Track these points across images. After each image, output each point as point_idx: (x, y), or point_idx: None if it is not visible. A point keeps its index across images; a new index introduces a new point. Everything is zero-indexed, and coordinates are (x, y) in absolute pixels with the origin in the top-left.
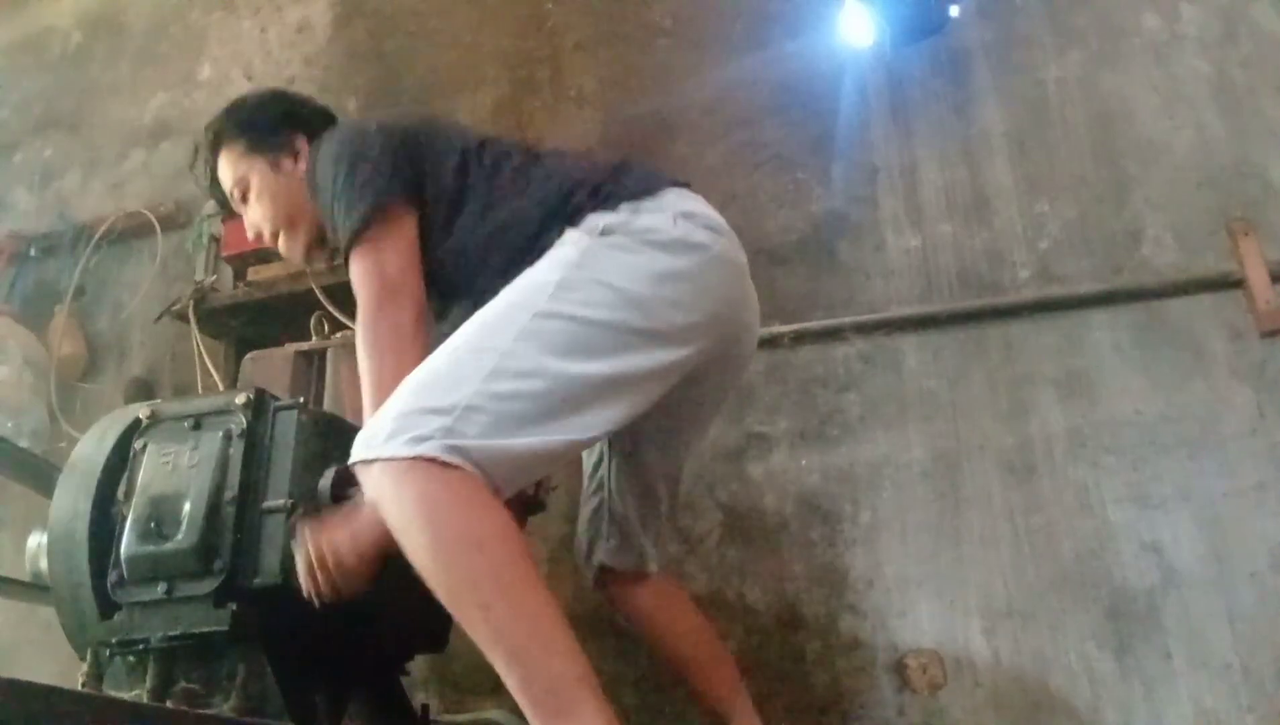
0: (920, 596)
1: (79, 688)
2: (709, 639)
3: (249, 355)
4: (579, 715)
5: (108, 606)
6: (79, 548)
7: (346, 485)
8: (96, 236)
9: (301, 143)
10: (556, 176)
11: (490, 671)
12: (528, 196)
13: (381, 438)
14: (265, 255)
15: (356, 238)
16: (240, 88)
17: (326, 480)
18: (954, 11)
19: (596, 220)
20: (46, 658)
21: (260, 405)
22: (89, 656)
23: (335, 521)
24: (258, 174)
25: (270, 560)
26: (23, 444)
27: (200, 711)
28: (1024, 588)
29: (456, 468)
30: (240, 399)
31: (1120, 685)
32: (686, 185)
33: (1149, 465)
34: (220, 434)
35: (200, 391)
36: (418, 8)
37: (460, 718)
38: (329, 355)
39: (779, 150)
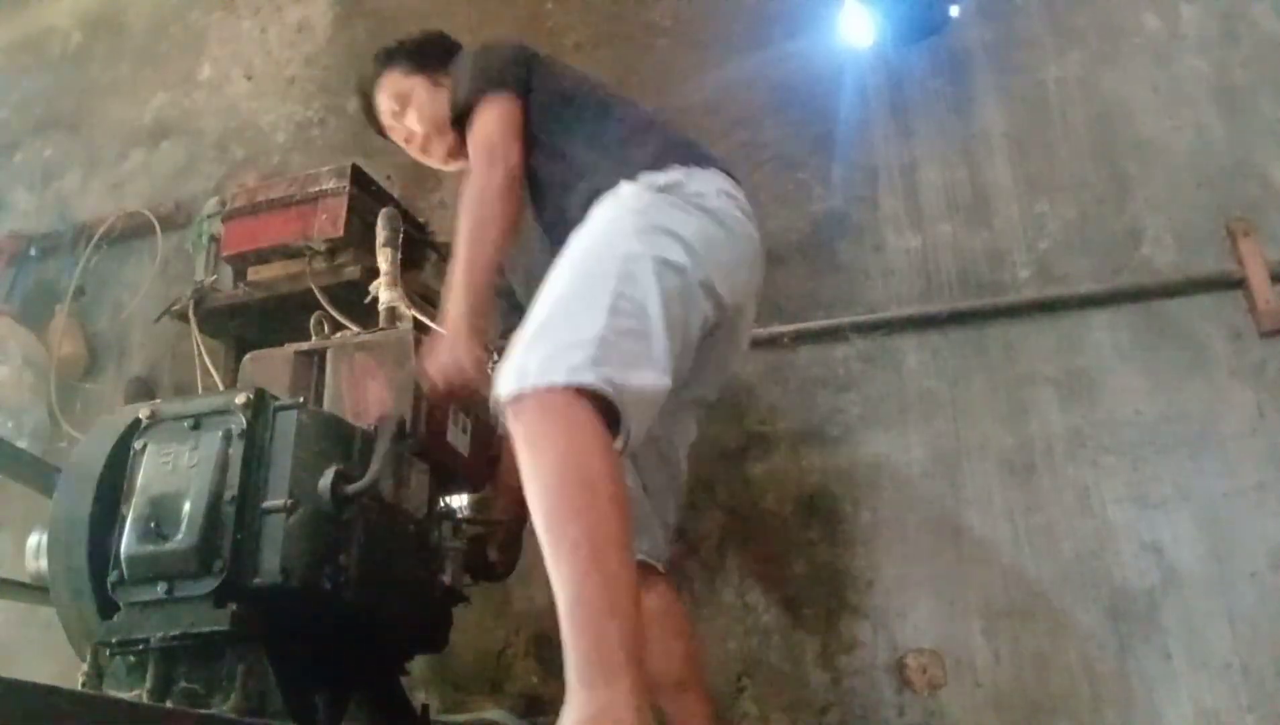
0: (920, 596)
1: (79, 688)
2: (698, 666)
3: (249, 355)
4: (617, 685)
5: (108, 606)
6: (79, 548)
7: (347, 485)
8: (96, 236)
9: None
10: (622, 130)
11: (490, 672)
12: (595, 145)
13: (534, 371)
14: (265, 255)
15: (469, 102)
16: (240, 88)
17: (326, 480)
18: (954, 11)
19: (654, 178)
20: (46, 658)
21: (260, 405)
22: (89, 656)
23: (442, 347)
24: (419, 88)
25: (270, 560)
26: (23, 444)
27: (200, 711)
28: (1024, 588)
29: (604, 399)
30: (240, 399)
31: (1120, 685)
32: (731, 174)
33: (1149, 465)
34: (220, 434)
35: (200, 391)
36: (418, 8)
37: (460, 718)
38: (329, 355)
39: (779, 150)
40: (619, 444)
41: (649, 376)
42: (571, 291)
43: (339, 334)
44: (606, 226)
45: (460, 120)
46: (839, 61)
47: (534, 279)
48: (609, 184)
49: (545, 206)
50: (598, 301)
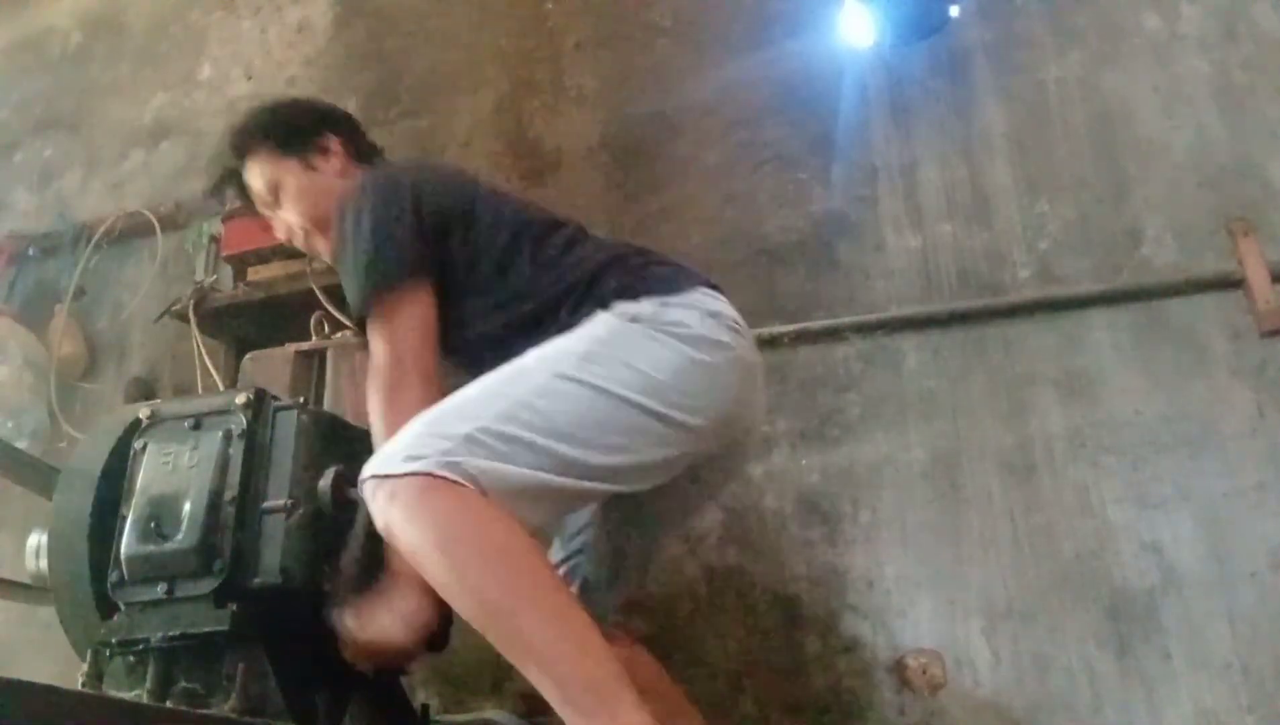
0: (920, 596)
1: (79, 688)
2: (686, 704)
3: (249, 355)
4: (620, 711)
5: (108, 606)
6: (79, 548)
7: (346, 486)
8: (96, 236)
9: (333, 142)
10: (589, 263)
11: (490, 672)
12: (560, 283)
13: (386, 456)
14: (265, 255)
15: (366, 311)
16: (240, 88)
17: (326, 480)
18: (954, 11)
19: (627, 308)
20: (46, 658)
21: (260, 405)
22: (89, 656)
23: (372, 606)
24: (291, 175)
25: (270, 560)
26: (23, 444)
27: (200, 711)
28: (1024, 588)
29: (456, 483)
30: (240, 399)
31: (1120, 685)
32: (715, 286)
33: (1149, 465)
34: (220, 434)
35: (200, 391)
36: (418, 8)
37: (460, 718)
38: (329, 355)
39: (779, 150)
40: None
41: (521, 472)
42: (465, 397)
43: (339, 334)
44: (556, 349)
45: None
46: (839, 61)
47: None
48: (585, 313)
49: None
50: (490, 406)
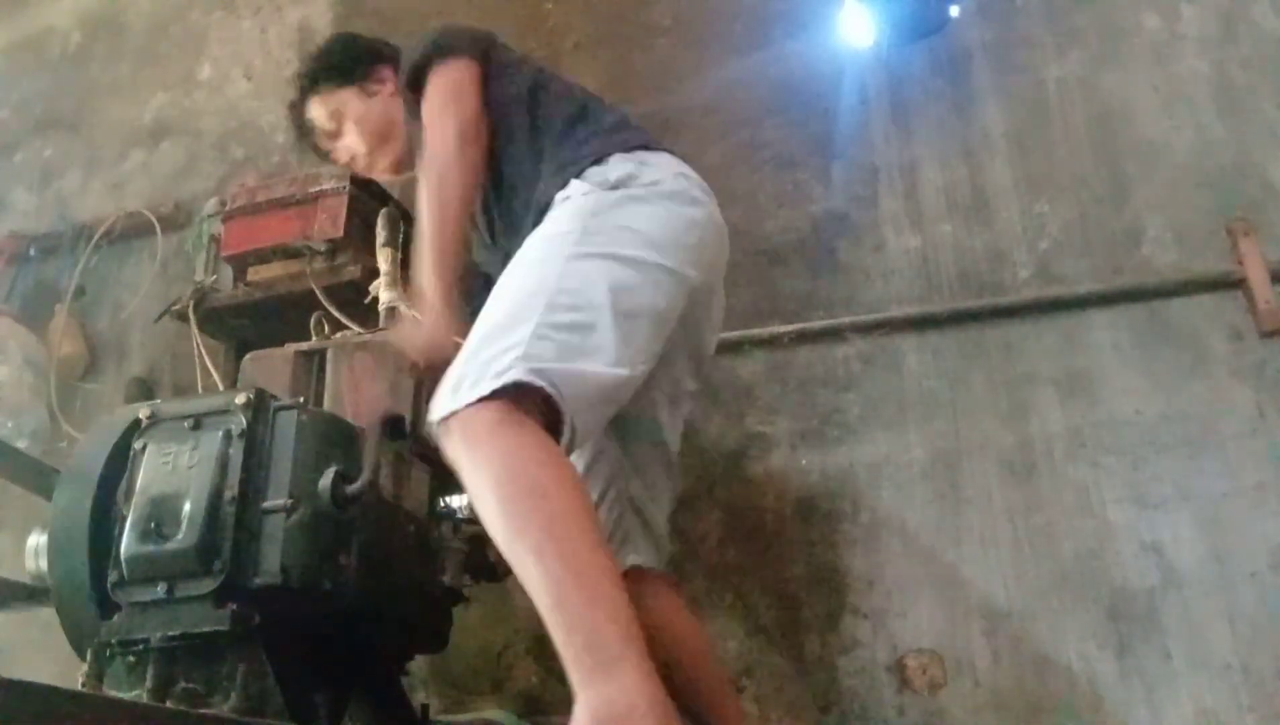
0: (920, 596)
1: (79, 688)
2: (714, 662)
3: (249, 355)
4: (618, 674)
5: (108, 606)
6: (79, 548)
7: (346, 485)
8: (96, 236)
9: (387, 71)
10: (571, 119)
11: (490, 672)
12: (545, 133)
13: (464, 386)
14: (265, 255)
15: (423, 65)
16: (240, 88)
17: (326, 480)
18: (954, 11)
19: (606, 171)
20: (46, 658)
21: (260, 405)
22: (89, 656)
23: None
24: (350, 101)
25: (270, 560)
26: (23, 444)
27: (200, 711)
28: (1024, 588)
29: (537, 392)
30: (240, 399)
31: (1120, 685)
32: (671, 151)
33: (1149, 465)
34: (220, 434)
35: (200, 391)
36: (418, 8)
37: (460, 718)
38: (329, 355)
39: (779, 150)
40: (565, 440)
41: (590, 365)
42: (509, 302)
43: (339, 334)
44: (554, 232)
45: (416, 86)
46: (839, 61)
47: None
48: (558, 184)
49: (490, 205)
50: (534, 304)
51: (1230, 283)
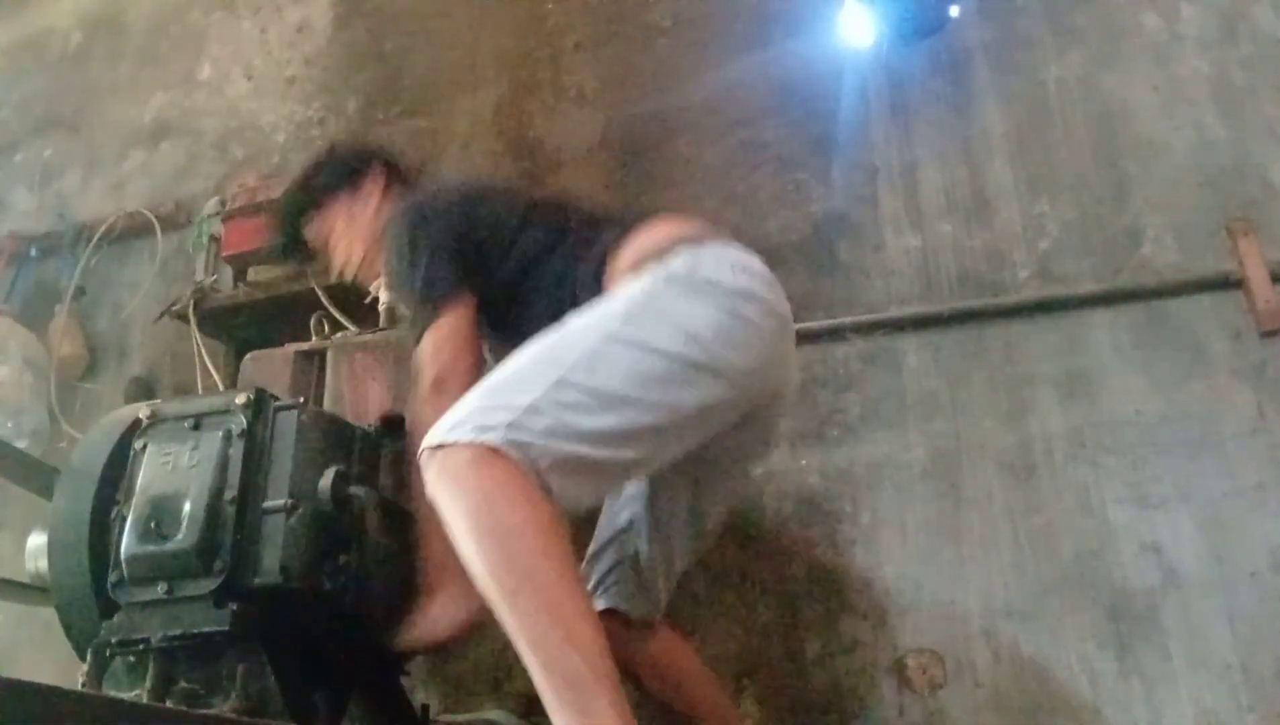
0: (920, 596)
1: (79, 688)
2: (717, 686)
3: (249, 355)
4: (594, 711)
5: (108, 606)
6: (79, 548)
7: (346, 485)
8: (96, 236)
9: (373, 182)
10: (612, 235)
11: (490, 672)
12: (588, 260)
13: (448, 426)
14: (265, 255)
15: (422, 330)
16: (240, 88)
17: (326, 480)
18: (954, 11)
19: (660, 269)
20: (46, 658)
21: (260, 405)
22: (89, 656)
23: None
24: (340, 217)
25: (270, 560)
26: (23, 444)
27: (200, 711)
28: (1024, 588)
29: (513, 460)
30: (240, 399)
31: (1120, 685)
32: (732, 240)
33: (1149, 465)
34: (220, 434)
35: (200, 391)
36: (418, 8)
37: (460, 718)
38: (329, 355)
39: (779, 150)
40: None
41: (579, 448)
42: (520, 366)
43: (339, 334)
44: (602, 309)
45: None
46: (839, 61)
47: None
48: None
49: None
50: (545, 374)
51: (1230, 283)
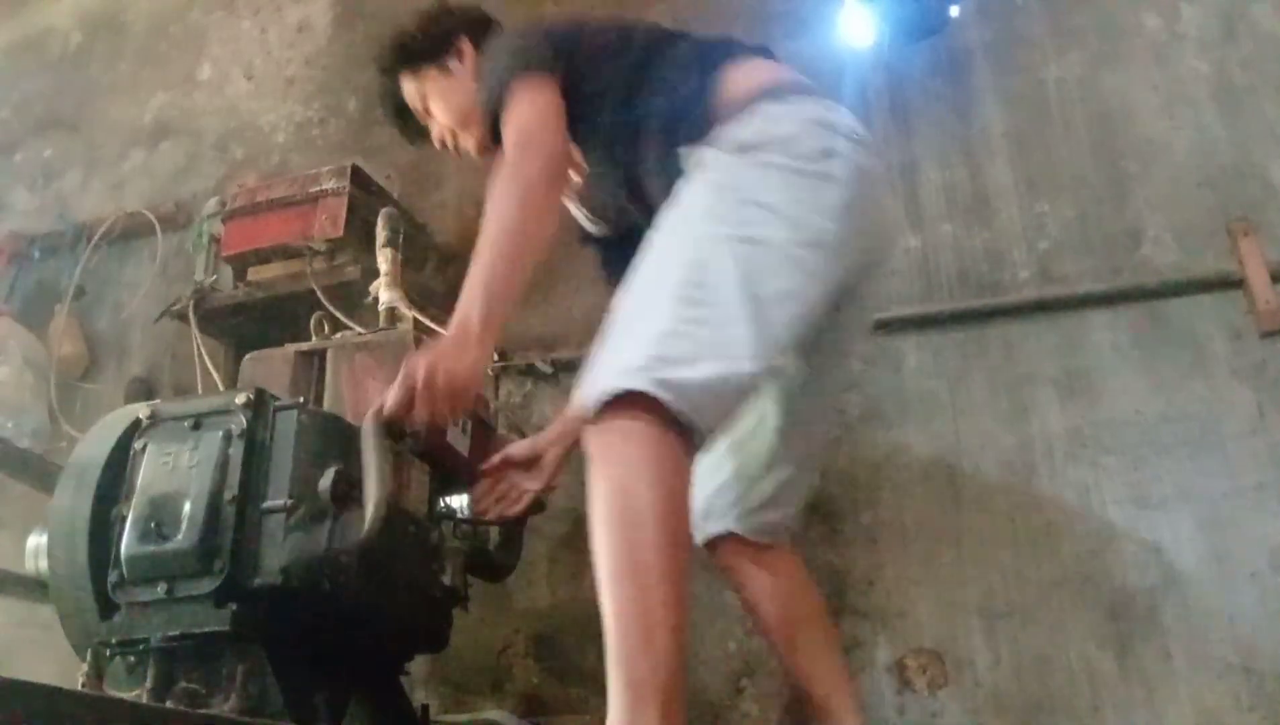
0: (920, 596)
1: (79, 688)
2: (828, 626)
3: (249, 355)
4: (638, 720)
5: (108, 606)
6: (79, 548)
7: (346, 485)
8: (96, 236)
9: (464, 43)
10: (691, 70)
11: (490, 672)
12: (666, 91)
13: (598, 384)
14: (265, 255)
15: (496, 93)
16: (240, 88)
17: (326, 480)
18: (954, 11)
19: (734, 133)
20: (46, 658)
21: (260, 405)
22: (89, 656)
23: (444, 353)
24: (431, 82)
25: (270, 560)
26: (23, 444)
27: (200, 711)
28: (1024, 588)
29: (662, 410)
30: (240, 399)
31: (1120, 685)
32: (815, 90)
33: (1149, 465)
34: (220, 434)
35: (200, 391)
36: (418, 8)
37: (460, 718)
38: (329, 355)
39: None
40: (694, 442)
41: (718, 366)
42: (640, 295)
43: (339, 334)
44: (684, 208)
45: (495, 118)
46: (839, 61)
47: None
48: (686, 138)
49: (617, 157)
50: (663, 298)
51: (1230, 283)
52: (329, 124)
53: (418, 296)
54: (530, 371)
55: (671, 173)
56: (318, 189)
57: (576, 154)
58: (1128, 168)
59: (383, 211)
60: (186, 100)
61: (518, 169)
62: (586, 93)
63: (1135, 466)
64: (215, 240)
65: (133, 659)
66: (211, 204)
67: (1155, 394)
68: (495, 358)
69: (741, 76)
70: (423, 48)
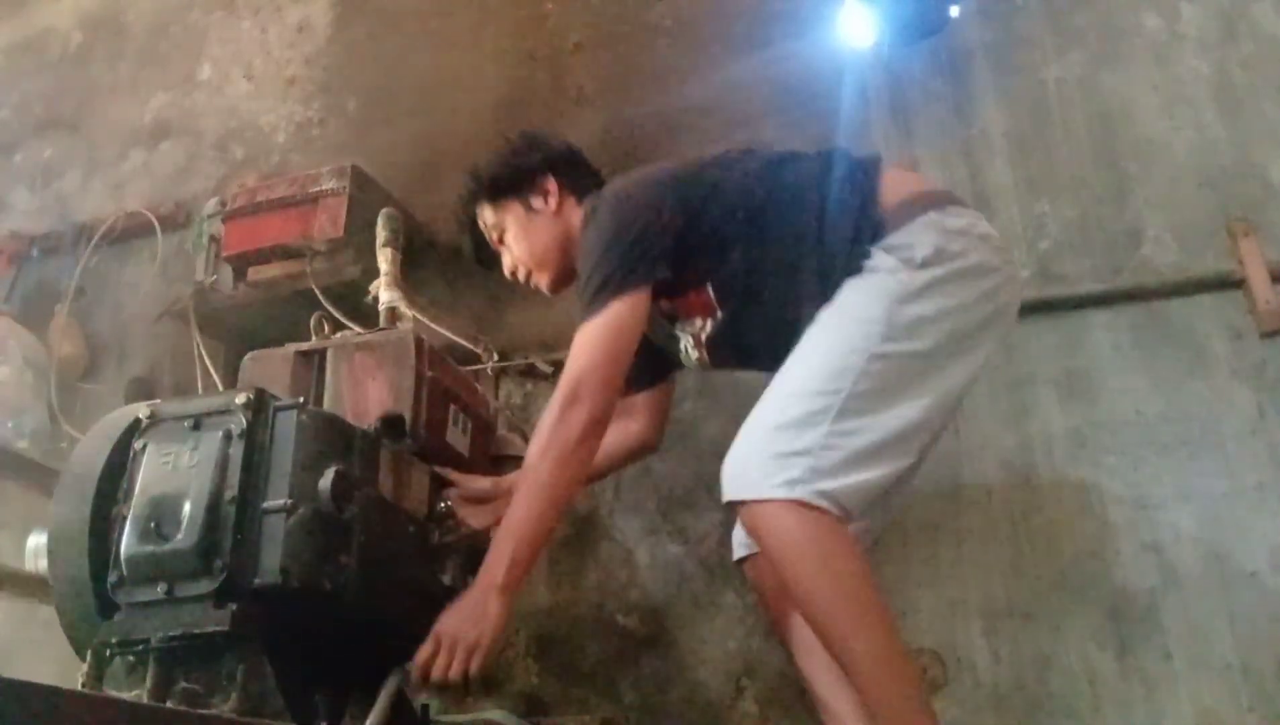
0: (920, 596)
1: (79, 688)
2: None
3: (249, 355)
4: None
5: (108, 607)
6: (79, 548)
7: (346, 485)
8: (96, 236)
9: (549, 182)
10: (850, 193)
11: (490, 672)
12: (826, 222)
13: (757, 478)
14: (265, 255)
15: (587, 302)
16: (240, 88)
17: (326, 480)
18: (954, 11)
19: (911, 246)
20: (46, 658)
21: (260, 405)
22: (89, 656)
23: (466, 615)
24: (512, 217)
25: (270, 560)
26: (23, 444)
27: (200, 711)
28: (1024, 588)
29: (825, 510)
30: (240, 399)
31: (1120, 685)
32: (963, 203)
33: (1149, 465)
34: (220, 434)
35: (200, 391)
36: (418, 8)
37: (460, 718)
38: (329, 355)
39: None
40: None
41: (876, 473)
42: (801, 400)
43: (339, 334)
44: (858, 316)
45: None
46: (839, 61)
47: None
48: (858, 253)
49: (765, 293)
50: (826, 405)
51: (1230, 283)
52: (329, 124)
53: (418, 296)
54: (530, 371)
55: (830, 292)
56: (318, 189)
57: (709, 297)
58: (1128, 168)
59: (383, 211)
60: (186, 100)
61: (562, 426)
62: (719, 243)
63: (1135, 466)
64: (215, 240)
65: (133, 659)
66: (211, 204)
67: (1155, 394)
68: (495, 357)
69: (893, 187)
70: (508, 182)
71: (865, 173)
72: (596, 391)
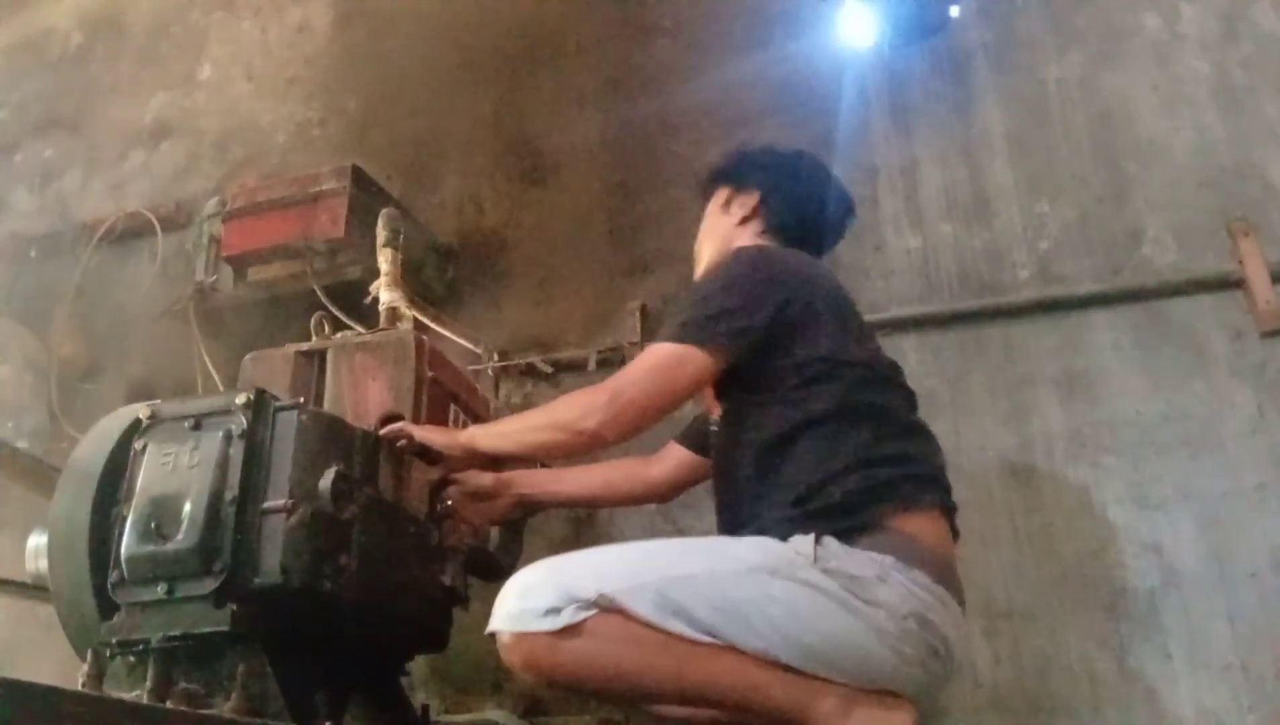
0: None
1: (79, 688)
2: None
3: (249, 355)
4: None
5: (108, 606)
6: (79, 548)
7: (346, 486)
8: (96, 236)
9: (751, 195)
10: (836, 452)
11: (490, 671)
12: (815, 455)
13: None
14: (265, 255)
15: (665, 336)
16: (240, 88)
17: (326, 480)
18: (954, 11)
19: (843, 558)
20: (46, 658)
21: (260, 405)
22: (89, 656)
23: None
24: (714, 204)
25: (270, 560)
26: (23, 444)
27: (200, 711)
28: (1024, 588)
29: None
30: (240, 399)
31: (1120, 685)
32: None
33: (1149, 465)
34: (220, 434)
35: (200, 391)
36: (418, 8)
37: (460, 718)
38: (329, 355)
39: None
40: None
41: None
42: (672, 552)
43: (339, 334)
44: (756, 560)
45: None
46: (839, 61)
47: None
48: (796, 519)
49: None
50: (680, 578)
51: (1230, 283)
52: (329, 124)
53: (418, 296)
54: (530, 371)
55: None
56: (318, 189)
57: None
58: (1128, 168)
59: (383, 211)
60: (187, 100)
61: (573, 424)
62: (771, 376)
63: (1135, 466)
64: (215, 240)
65: (133, 659)
66: (211, 204)
67: (1155, 394)
68: (495, 357)
69: (915, 526)
70: (726, 173)
71: (914, 491)
72: (623, 410)
